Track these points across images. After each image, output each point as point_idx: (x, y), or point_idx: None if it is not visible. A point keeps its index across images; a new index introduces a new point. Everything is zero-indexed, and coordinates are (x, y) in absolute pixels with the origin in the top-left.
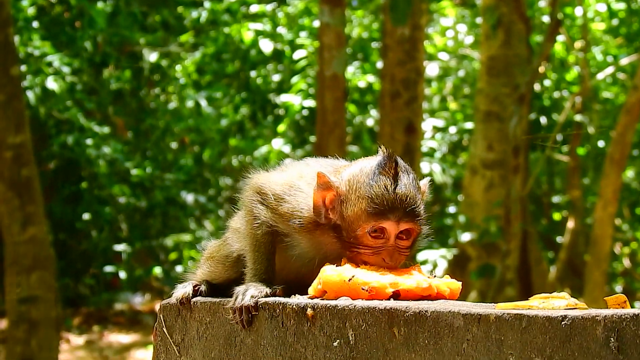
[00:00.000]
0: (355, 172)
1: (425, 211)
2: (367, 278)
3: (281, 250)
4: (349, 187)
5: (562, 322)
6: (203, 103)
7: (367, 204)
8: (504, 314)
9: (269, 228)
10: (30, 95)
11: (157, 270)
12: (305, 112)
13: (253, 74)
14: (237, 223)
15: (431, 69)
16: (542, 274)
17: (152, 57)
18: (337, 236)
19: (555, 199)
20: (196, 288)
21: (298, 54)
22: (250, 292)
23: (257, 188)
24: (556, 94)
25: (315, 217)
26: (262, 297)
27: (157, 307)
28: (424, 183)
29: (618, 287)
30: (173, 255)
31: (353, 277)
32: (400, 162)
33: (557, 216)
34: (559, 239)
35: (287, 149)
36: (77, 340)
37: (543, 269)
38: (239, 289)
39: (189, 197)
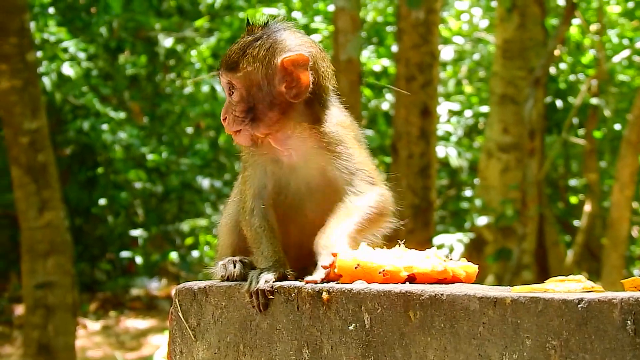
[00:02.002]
0: None
1: (249, 64)
2: (382, 262)
3: (278, 198)
4: None
5: (579, 305)
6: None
7: None
8: (520, 297)
9: (261, 210)
10: (46, 81)
11: (174, 255)
12: None
13: None
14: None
15: (446, 53)
16: (559, 257)
17: (167, 42)
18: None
19: (572, 182)
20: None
21: (313, 39)
22: (264, 276)
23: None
24: (572, 77)
25: None
26: (276, 279)
27: (173, 292)
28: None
29: (636, 271)
30: (189, 240)
31: (358, 265)
32: (267, 33)
33: (573, 199)
34: (576, 223)
35: None
36: (94, 325)
37: (560, 253)
38: (253, 273)
39: (205, 182)
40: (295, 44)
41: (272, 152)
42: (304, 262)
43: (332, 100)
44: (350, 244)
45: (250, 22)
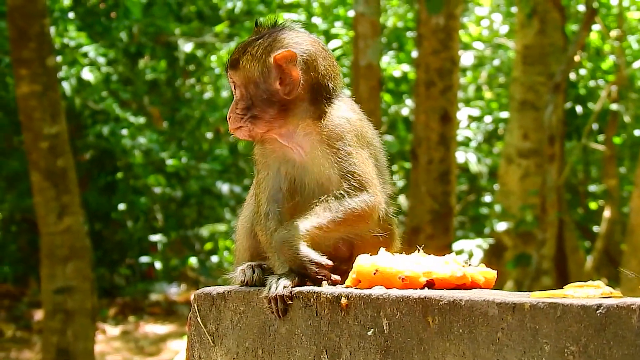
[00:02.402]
0: None
1: (251, 63)
2: (401, 267)
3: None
4: None
5: (597, 311)
6: None
7: None
8: (538, 302)
9: (276, 214)
10: (65, 86)
11: (193, 261)
12: None
13: None
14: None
15: (466, 58)
16: (579, 263)
17: (187, 47)
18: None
19: (592, 187)
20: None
21: (333, 44)
22: (282, 282)
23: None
24: (592, 83)
25: None
26: (294, 285)
27: (192, 297)
28: (285, 48)
29: None
30: (208, 245)
31: (377, 271)
32: (271, 32)
33: (593, 205)
34: (595, 228)
35: None
36: (113, 330)
37: (579, 258)
38: (272, 278)
39: (225, 187)
40: (292, 41)
41: (283, 151)
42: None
43: (340, 97)
44: (309, 240)
45: (259, 23)
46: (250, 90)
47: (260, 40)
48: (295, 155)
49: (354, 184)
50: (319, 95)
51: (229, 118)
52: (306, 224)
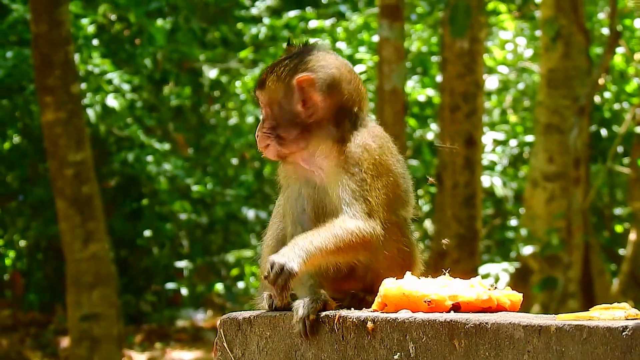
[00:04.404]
0: None
1: (277, 84)
2: (427, 291)
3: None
4: None
5: (623, 333)
6: None
7: None
8: (564, 325)
9: None
10: (90, 113)
11: (219, 287)
12: None
13: None
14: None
15: (491, 82)
16: (605, 286)
17: (211, 73)
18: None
19: (617, 211)
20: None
21: (357, 69)
22: (308, 305)
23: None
24: (616, 106)
25: None
26: (320, 309)
27: (218, 322)
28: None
29: None
30: (235, 271)
31: (403, 294)
32: (299, 53)
33: (619, 228)
34: (621, 251)
35: None
36: (140, 357)
37: (605, 281)
38: (298, 302)
39: (250, 213)
40: (317, 64)
41: (304, 173)
42: (347, 287)
43: (365, 123)
44: (310, 260)
45: (292, 42)
46: (275, 110)
47: (287, 61)
48: (316, 177)
49: (362, 209)
50: (343, 119)
51: (257, 136)
52: (305, 243)
